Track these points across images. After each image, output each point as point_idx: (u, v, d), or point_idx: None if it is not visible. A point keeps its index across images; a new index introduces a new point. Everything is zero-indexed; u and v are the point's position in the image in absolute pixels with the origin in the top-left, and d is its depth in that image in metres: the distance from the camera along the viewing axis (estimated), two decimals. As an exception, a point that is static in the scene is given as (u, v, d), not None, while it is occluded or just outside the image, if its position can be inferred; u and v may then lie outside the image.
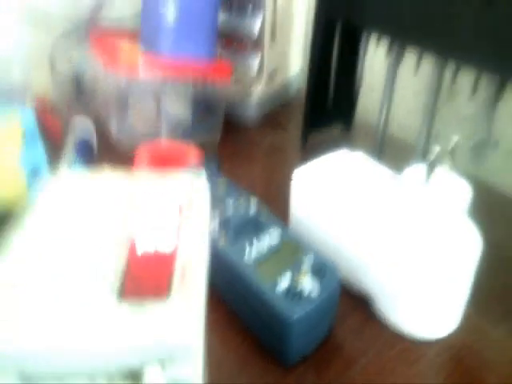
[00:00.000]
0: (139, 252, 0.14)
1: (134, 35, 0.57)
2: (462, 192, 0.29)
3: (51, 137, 0.46)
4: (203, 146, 0.40)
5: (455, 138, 0.30)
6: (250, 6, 0.62)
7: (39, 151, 0.44)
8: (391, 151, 0.45)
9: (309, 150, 0.50)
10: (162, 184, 0.18)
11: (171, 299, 0.13)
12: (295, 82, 0.69)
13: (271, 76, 0.64)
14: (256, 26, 0.60)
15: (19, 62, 0.58)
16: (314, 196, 0.35)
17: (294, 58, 0.69)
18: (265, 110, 0.63)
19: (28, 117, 0.44)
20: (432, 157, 0.30)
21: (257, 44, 0.62)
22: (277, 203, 0.36)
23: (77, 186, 0.17)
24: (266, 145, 0.52)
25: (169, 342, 0.12)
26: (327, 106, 0.54)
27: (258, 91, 0.61)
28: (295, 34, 0.68)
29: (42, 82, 0.60)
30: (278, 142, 0.53)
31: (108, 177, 0.18)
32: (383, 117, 0.47)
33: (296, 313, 0.25)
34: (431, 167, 0.30)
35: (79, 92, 0.62)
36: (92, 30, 0.59)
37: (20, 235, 0.15)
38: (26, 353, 0.11)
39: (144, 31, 0.56)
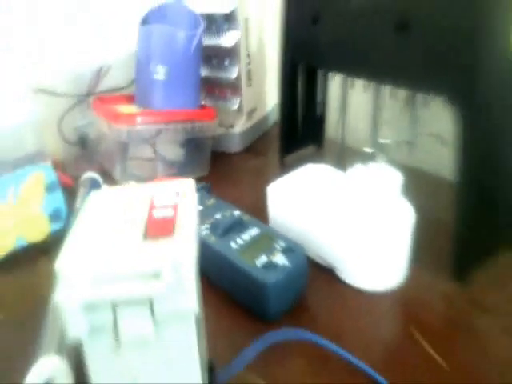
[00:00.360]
0: (155, 216, 0.23)
1: (130, 98, 0.68)
2: (395, 178, 0.37)
3: (65, 188, 0.55)
4: (195, 177, 0.49)
5: (386, 141, 0.39)
6: (228, 59, 0.73)
7: (59, 197, 0.53)
8: (350, 159, 0.54)
9: (286, 169, 0.59)
10: (164, 185, 0.27)
11: (173, 237, 0.21)
12: (271, 116, 0.79)
13: (250, 113, 0.74)
14: (233, 75, 0.71)
15: (31, 131, 0.69)
16: (285, 198, 0.43)
17: (268, 96, 0.80)
18: (247, 141, 0.72)
19: (49, 171, 0.53)
20: (370, 156, 0.38)
21: (236, 89, 0.72)
22: (258, 210, 0.45)
23: (107, 195, 0.26)
24: (249, 168, 0.61)
25: (174, 260, 0.20)
26: (298, 132, 0.63)
27: (240, 127, 0.71)
28: (269, 76, 0.79)
29: (53, 146, 0.70)
30: (259, 165, 0.62)
31: (127, 188, 0.27)
32: (340, 131, 0.56)
33: (271, 278, 0.32)
34: (370, 163, 0.38)
35: (85, 150, 0.73)
36: (94, 99, 0.70)
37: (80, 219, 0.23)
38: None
39: (138, 92, 0.67)
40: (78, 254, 0.20)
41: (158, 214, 0.23)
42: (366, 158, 0.40)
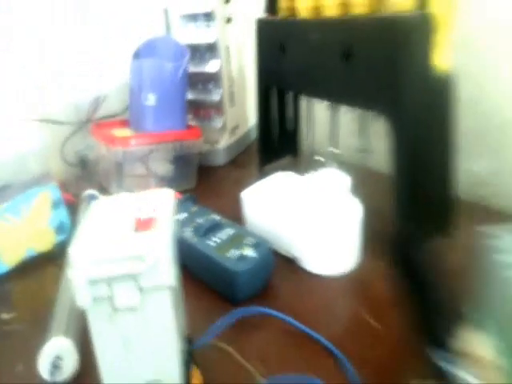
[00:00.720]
0: (141, 218, 0.30)
1: (125, 122, 0.76)
2: (344, 181, 0.45)
3: (68, 205, 0.63)
4: (183, 189, 0.56)
5: (335, 151, 0.46)
6: (211, 83, 0.82)
7: (63, 212, 0.60)
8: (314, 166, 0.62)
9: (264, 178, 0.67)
10: (149, 194, 0.34)
11: (153, 232, 0.28)
12: (253, 132, 0.87)
13: (233, 130, 0.82)
14: (217, 97, 0.79)
15: (37, 156, 0.77)
16: (256, 202, 0.51)
17: (250, 114, 0.88)
18: (230, 155, 0.80)
19: (54, 190, 0.61)
20: (323, 163, 0.46)
21: (219, 109, 0.80)
22: (237, 215, 0.53)
23: (104, 203, 0.33)
24: (231, 179, 0.68)
25: (153, 247, 0.27)
26: (274, 145, 0.71)
27: (224, 143, 0.79)
28: (249, 96, 0.88)
29: (57, 168, 0.78)
30: (241, 176, 0.69)
31: (120, 197, 0.34)
32: (308, 143, 0.64)
33: (241, 267, 0.40)
34: (323, 168, 0.46)
35: (85, 170, 0.81)
36: (92, 125, 0.78)
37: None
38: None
39: (132, 117, 0.75)
40: (85, 244, 0.27)
41: (144, 215, 0.30)
42: (324, 164, 0.47)
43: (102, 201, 0.34)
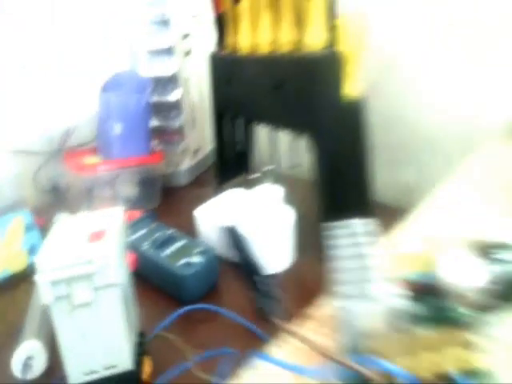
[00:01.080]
0: (93, 231, 0.36)
1: (94, 150, 0.83)
2: (278, 192, 0.53)
3: (41, 228, 0.68)
4: (148, 209, 0.63)
5: (270, 167, 0.54)
6: (173, 111, 0.89)
7: (36, 235, 0.66)
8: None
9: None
10: (102, 212, 0.41)
11: (103, 241, 0.35)
12: (212, 154, 0.95)
13: (195, 153, 0.90)
14: (178, 123, 0.87)
15: (10, 183, 0.82)
16: (207, 217, 0.58)
17: (210, 138, 0.96)
18: (192, 175, 0.88)
19: (27, 215, 0.67)
20: (263, 179, 0.53)
21: (181, 134, 0.88)
22: (193, 229, 0.59)
23: (66, 220, 0.40)
24: (192, 198, 0.75)
25: (103, 252, 0.34)
26: (229, 165, 0.79)
27: (186, 164, 0.87)
28: (208, 121, 0.96)
29: (30, 194, 0.84)
30: (201, 194, 0.76)
31: (79, 215, 0.41)
32: (255, 162, 0.72)
33: (187, 271, 0.47)
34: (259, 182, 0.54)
35: (57, 196, 0.86)
36: (64, 153, 0.85)
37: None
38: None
39: (100, 145, 0.82)
40: (47, 252, 0.34)
41: (96, 229, 0.37)
42: (263, 180, 0.55)
43: (64, 218, 0.40)
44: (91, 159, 0.79)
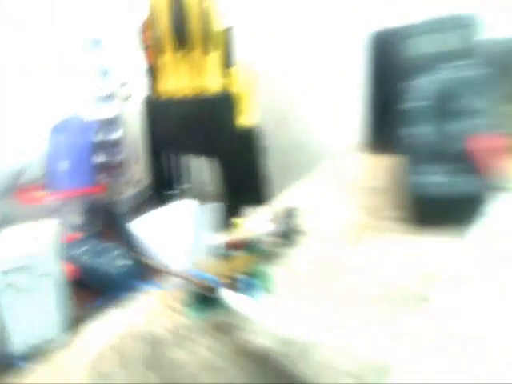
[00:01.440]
0: (34, 236, 0.48)
1: (44, 185, 0.94)
2: (192, 205, 0.66)
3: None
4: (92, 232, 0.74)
5: (187, 186, 0.68)
6: (116, 147, 1.02)
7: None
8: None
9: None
10: (41, 224, 0.52)
11: (40, 241, 0.46)
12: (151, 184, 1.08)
13: (137, 182, 1.02)
14: (120, 158, 1.00)
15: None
16: (140, 230, 0.70)
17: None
18: (135, 202, 1.00)
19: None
20: (182, 196, 0.66)
21: (123, 168, 1.01)
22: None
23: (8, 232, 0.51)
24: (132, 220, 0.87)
25: (39, 250, 0.45)
26: (168, 187, 0.91)
27: (129, 193, 0.99)
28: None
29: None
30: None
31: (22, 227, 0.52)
32: (190, 184, 0.86)
33: (115, 270, 0.58)
34: (181, 199, 0.66)
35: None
36: (16, 189, 0.95)
37: None
38: None
39: (49, 180, 0.93)
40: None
41: (35, 235, 0.49)
42: (181, 197, 0.67)
43: (7, 231, 0.51)
44: (41, 193, 0.90)
